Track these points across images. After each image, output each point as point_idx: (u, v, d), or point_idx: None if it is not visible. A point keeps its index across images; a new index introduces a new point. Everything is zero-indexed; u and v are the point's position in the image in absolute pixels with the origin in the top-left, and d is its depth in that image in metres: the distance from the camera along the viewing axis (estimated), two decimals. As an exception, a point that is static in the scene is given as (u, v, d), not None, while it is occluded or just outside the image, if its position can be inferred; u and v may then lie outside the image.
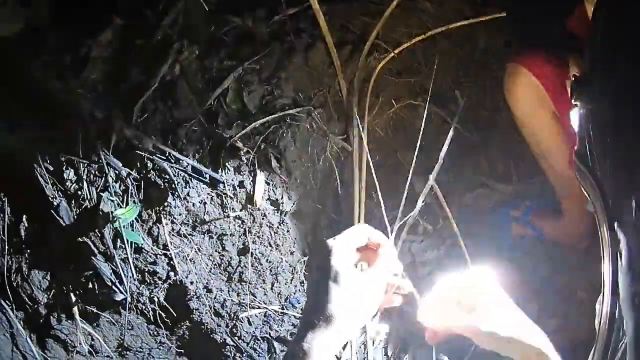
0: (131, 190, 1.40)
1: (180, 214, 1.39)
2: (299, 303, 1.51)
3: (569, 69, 1.26)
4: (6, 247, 1.47)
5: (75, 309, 1.48)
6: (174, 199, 1.38)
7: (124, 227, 1.37)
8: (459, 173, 1.52)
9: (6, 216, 1.48)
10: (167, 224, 1.39)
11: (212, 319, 1.44)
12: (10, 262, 1.47)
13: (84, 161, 1.42)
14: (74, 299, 1.48)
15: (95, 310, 1.48)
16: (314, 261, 0.80)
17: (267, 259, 1.44)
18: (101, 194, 1.40)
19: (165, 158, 1.39)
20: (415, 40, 1.52)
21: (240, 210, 1.40)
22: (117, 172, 1.40)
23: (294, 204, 1.44)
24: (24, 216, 1.47)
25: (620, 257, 1.13)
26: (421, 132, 1.38)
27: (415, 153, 1.36)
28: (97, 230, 1.41)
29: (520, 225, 1.71)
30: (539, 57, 1.37)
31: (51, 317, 1.50)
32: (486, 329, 0.77)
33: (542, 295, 1.62)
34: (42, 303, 1.48)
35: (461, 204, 1.58)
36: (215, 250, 1.43)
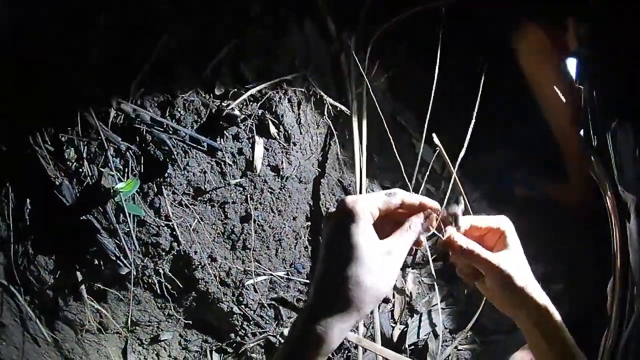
0: (131, 164, 1.40)
1: (181, 185, 1.39)
2: (304, 268, 1.50)
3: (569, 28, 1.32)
4: (12, 231, 1.47)
5: (83, 287, 1.49)
6: (174, 170, 1.38)
7: (125, 200, 1.38)
8: (462, 136, 1.50)
9: (10, 201, 1.48)
10: (168, 195, 1.39)
11: (218, 288, 1.44)
12: (16, 246, 1.48)
13: (84, 139, 1.42)
14: (80, 277, 1.48)
15: (102, 287, 1.48)
16: (328, 226, 0.67)
17: (270, 225, 1.44)
18: (102, 169, 1.41)
19: (163, 130, 1.39)
20: (414, 11, 1.51)
21: (241, 177, 1.40)
22: (116, 147, 1.41)
23: (294, 169, 1.44)
24: (28, 199, 1.47)
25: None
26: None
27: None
28: (99, 207, 1.42)
29: (524, 187, 1.70)
30: (548, 18, 1.42)
31: (59, 297, 1.50)
32: (506, 269, 0.76)
33: (547, 260, 1.61)
34: (49, 284, 1.49)
35: (464, 167, 1.57)
36: (218, 219, 1.43)
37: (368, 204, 0.66)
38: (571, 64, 1.44)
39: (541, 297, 0.77)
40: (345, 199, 0.66)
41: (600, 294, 1.37)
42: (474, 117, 1.43)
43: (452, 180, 1.34)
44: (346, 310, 0.62)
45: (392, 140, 1.32)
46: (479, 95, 1.40)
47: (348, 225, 0.64)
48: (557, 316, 0.77)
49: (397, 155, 1.31)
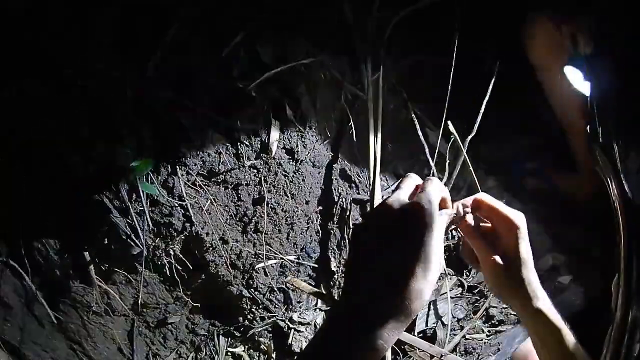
0: (146, 142, 1.40)
1: (195, 165, 1.39)
2: (315, 253, 1.50)
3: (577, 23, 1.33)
4: (20, 210, 1.46)
5: (91, 267, 1.48)
6: (189, 150, 1.38)
7: (139, 179, 1.37)
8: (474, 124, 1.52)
9: (20, 179, 1.47)
10: (182, 175, 1.39)
11: (228, 270, 1.44)
12: (24, 225, 1.47)
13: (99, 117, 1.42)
14: (89, 258, 1.47)
15: (111, 268, 1.47)
16: (396, 229, 0.61)
17: (283, 209, 1.44)
18: (116, 147, 1.41)
19: (179, 109, 1.39)
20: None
21: (255, 159, 1.39)
22: (132, 125, 1.40)
23: (308, 152, 1.44)
24: (38, 178, 1.46)
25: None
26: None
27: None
28: (112, 185, 1.41)
29: (535, 178, 1.71)
30: (558, 11, 1.43)
31: (66, 278, 1.49)
32: (516, 270, 0.76)
33: (556, 252, 1.61)
34: (57, 264, 1.48)
35: (476, 156, 1.57)
36: (231, 201, 1.42)
37: (439, 192, 0.63)
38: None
39: (536, 298, 0.77)
40: (423, 202, 0.61)
41: (607, 287, 1.37)
42: (483, 106, 1.44)
43: (469, 169, 1.35)
44: (404, 322, 0.59)
45: (417, 125, 1.33)
46: (491, 84, 1.41)
47: (425, 236, 0.59)
48: (553, 318, 0.77)
49: (423, 141, 1.32)
